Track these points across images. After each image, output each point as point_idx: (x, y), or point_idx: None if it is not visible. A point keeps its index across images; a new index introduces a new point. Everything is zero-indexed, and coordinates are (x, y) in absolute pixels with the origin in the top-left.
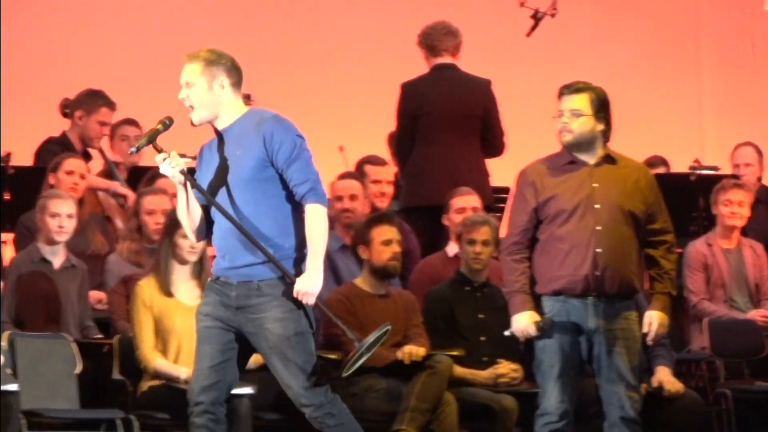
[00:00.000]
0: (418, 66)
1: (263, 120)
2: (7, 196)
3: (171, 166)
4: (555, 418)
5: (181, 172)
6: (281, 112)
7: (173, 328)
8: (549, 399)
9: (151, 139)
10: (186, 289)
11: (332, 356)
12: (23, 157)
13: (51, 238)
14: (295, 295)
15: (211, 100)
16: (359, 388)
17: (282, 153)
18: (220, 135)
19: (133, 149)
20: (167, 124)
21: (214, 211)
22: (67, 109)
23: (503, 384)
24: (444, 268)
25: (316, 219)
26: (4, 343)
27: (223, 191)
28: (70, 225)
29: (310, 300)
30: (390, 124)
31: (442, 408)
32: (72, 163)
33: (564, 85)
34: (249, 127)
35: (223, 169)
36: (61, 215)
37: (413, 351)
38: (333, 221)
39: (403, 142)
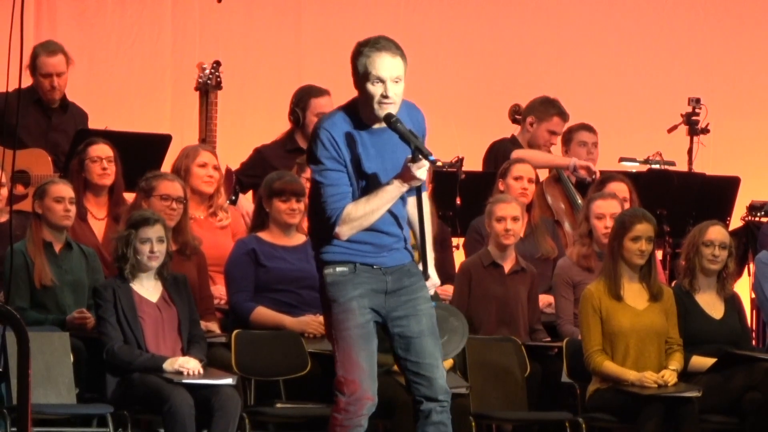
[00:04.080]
0: None
1: (414, 109)
2: (458, 201)
3: (426, 171)
4: None
5: None
6: None
7: (621, 331)
8: None
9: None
10: (634, 292)
11: None
12: (474, 162)
13: (500, 243)
14: (431, 286)
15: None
16: None
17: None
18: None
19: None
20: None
21: None
22: (518, 114)
23: None
24: None
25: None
26: None
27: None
28: (517, 227)
29: (432, 293)
30: None
31: None
32: (520, 170)
33: None
34: (404, 118)
35: (393, 162)
36: (506, 219)
37: None
38: None
39: None
